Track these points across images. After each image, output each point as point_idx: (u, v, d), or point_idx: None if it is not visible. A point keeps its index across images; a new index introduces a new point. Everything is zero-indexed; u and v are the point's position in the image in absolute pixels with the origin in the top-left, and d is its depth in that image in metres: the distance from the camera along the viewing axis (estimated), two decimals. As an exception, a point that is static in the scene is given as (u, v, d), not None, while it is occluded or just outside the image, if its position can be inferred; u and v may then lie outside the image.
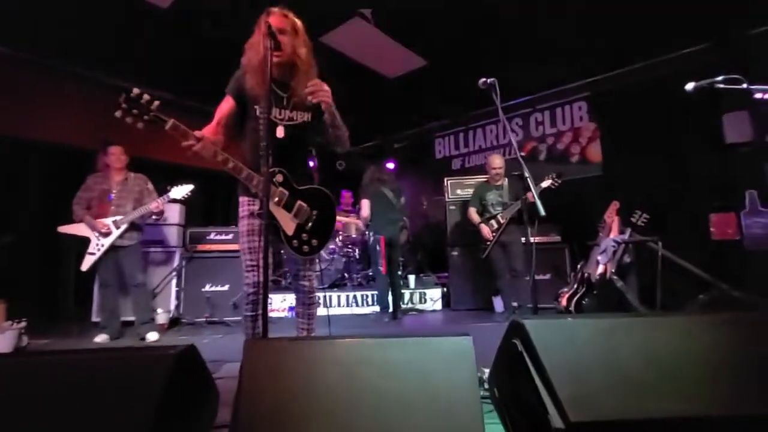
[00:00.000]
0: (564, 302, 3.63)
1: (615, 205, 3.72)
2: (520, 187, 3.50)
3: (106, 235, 3.37)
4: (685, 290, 3.42)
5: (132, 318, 3.59)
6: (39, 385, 0.97)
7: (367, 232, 4.49)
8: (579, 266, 3.81)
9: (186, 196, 3.58)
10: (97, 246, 3.37)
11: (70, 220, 3.47)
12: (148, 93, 1.54)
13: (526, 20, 3.83)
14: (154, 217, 3.55)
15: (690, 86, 2.11)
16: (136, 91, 1.51)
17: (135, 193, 3.54)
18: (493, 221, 3.98)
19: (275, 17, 1.79)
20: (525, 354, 1.10)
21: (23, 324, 3.10)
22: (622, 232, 3.56)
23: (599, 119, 5.15)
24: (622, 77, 4.82)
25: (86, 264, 3.38)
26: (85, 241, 3.42)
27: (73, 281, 4.32)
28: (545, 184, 3.78)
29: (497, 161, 4.13)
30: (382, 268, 4.18)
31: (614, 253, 3.44)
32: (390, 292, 4.23)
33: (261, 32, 1.69)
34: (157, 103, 1.54)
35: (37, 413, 0.93)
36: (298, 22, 1.86)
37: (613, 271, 3.42)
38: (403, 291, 4.84)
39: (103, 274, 3.48)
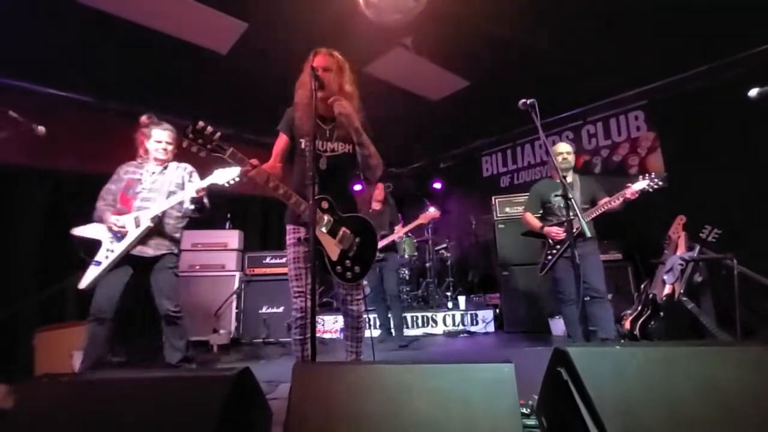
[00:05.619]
0: (628, 325, 3.38)
1: (681, 220, 3.45)
2: (597, 188, 3.10)
3: (120, 236, 2.45)
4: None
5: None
6: (119, 405, 1.10)
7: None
8: (643, 286, 3.54)
9: (231, 182, 2.36)
10: (107, 253, 2.44)
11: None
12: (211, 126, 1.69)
13: (571, 36, 3.73)
14: (192, 207, 2.57)
15: (753, 92, 1.97)
16: (200, 123, 1.65)
17: (171, 186, 2.67)
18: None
19: (320, 57, 1.95)
20: (571, 384, 1.06)
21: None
22: (690, 249, 3.27)
23: (659, 128, 4.83)
24: (683, 82, 4.50)
25: (86, 279, 2.40)
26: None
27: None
28: (639, 186, 2.85)
29: (564, 146, 3.20)
30: None
31: (682, 271, 3.16)
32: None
33: (308, 72, 1.83)
34: (218, 134, 1.69)
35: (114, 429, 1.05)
36: (343, 60, 2.00)
37: (682, 291, 3.14)
38: (453, 312, 4.85)
39: (100, 299, 2.39)
